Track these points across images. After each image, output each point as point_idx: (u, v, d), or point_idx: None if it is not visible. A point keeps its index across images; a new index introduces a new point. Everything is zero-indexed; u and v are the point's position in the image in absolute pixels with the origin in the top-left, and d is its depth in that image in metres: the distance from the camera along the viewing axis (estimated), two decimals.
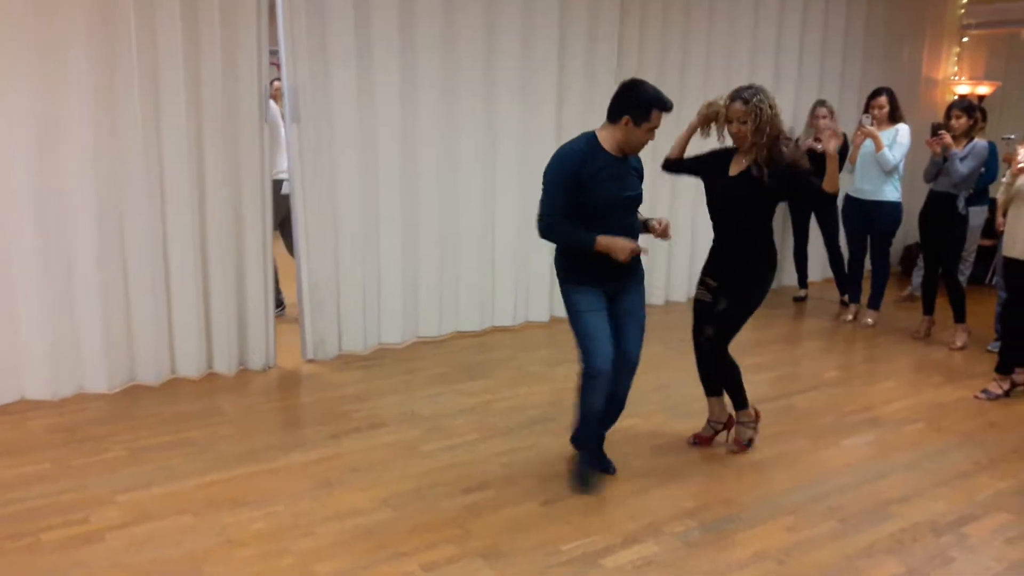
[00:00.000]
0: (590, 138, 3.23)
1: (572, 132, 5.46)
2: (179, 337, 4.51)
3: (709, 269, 3.71)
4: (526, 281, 5.73)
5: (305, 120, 4.60)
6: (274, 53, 4.56)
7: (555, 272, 3.42)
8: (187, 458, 3.62)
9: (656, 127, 3.18)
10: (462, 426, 4.05)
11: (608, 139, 3.21)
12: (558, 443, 3.83)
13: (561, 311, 5.88)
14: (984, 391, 4.68)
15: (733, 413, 3.87)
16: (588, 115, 5.48)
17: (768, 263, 3.60)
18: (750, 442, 3.85)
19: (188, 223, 4.37)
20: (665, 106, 3.13)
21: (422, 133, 5.05)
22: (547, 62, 5.40)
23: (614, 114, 3.19)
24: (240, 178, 4.50)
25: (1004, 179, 4.64)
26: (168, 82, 4.21)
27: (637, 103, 3.13)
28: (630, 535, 3.08)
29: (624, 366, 3.36)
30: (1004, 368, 4.70)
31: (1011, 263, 4.67)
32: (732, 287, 3.60)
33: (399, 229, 5.08)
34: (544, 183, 3.21)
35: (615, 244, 3.14)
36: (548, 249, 5.71)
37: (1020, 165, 4.36)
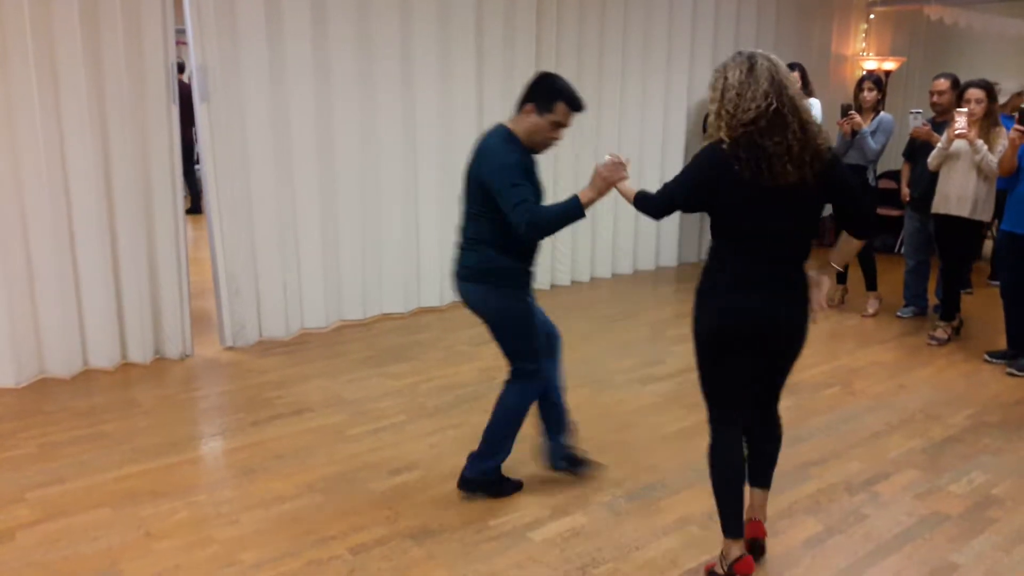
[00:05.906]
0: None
1: (493, 109, 5.53)
2: (90, 327, 4.33)
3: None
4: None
5: (215, 100, 4.46)
6: (181, 32, 4.40)
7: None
8: (102, 452, 3.49)
9: (562, 123, 2.88)
10: (389, 408, 4.01)
11: (517, 132, 2.92)
12: (486, 419, 3.81)
13: None
14: (933, 338, 5.13)
15: None
16: (508, 95, 5.41)
17: None
18: None
19: (95, 208, 4.19)
20: (574, 103, 2.86)
21: (338, 111, 4.94)
22: (465, 36, 5.34)
23: (519, 103, 2.92)
24: (149, 161, 4.34)
25: (939, 144, 4.86)
26: (67, 63, 4.00)
27: (543, 92, 2.86)
28: (558, 507, 3.11)
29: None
30: (948, 315, 5.19)
31: (942, 219, 4.99)
32: None
33: (318, 210, 4.97)
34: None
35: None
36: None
37: (958, 132, 4.63)
